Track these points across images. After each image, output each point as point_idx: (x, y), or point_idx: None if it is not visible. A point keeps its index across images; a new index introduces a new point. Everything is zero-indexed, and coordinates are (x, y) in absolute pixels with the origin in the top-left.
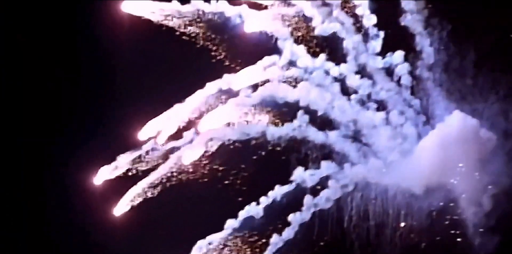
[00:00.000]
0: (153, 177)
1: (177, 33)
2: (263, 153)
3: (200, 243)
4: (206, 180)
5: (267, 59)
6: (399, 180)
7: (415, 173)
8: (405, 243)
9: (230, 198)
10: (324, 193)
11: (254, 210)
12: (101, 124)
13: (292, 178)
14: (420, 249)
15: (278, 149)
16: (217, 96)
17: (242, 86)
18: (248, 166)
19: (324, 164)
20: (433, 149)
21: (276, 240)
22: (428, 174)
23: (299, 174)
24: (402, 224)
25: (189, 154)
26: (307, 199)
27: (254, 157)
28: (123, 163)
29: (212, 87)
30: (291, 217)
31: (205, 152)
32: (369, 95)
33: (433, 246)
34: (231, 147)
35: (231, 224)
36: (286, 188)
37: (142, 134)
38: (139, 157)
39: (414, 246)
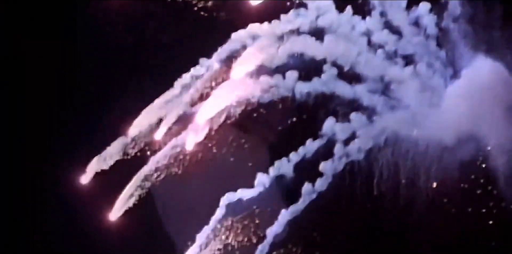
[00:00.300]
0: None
1: (195, 8)
2: (293, 109)
3: (229, 196)
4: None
5: (292, 14)
6: (430, 131)
7: (445, 124)
8: (436, 194)
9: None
10: (355, 143)
11: (285, 166)
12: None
13: (322, 132)
14: (451, 201)
15: (307, 105)
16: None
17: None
18: (278, 125)
19: (354, 115)
20: (461, 97)
21: (308, 191)
22: (457, 123)
23: (330, 126)
24: (434, 176)
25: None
26: (338, 147)
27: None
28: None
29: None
30: (322, 166)
31: (228, 117)
32: (395, 51)
33: (464, 197)
34: (255, 115)
35: (261, 180)
36: (317, 143)
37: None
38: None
39: (445, 198)
